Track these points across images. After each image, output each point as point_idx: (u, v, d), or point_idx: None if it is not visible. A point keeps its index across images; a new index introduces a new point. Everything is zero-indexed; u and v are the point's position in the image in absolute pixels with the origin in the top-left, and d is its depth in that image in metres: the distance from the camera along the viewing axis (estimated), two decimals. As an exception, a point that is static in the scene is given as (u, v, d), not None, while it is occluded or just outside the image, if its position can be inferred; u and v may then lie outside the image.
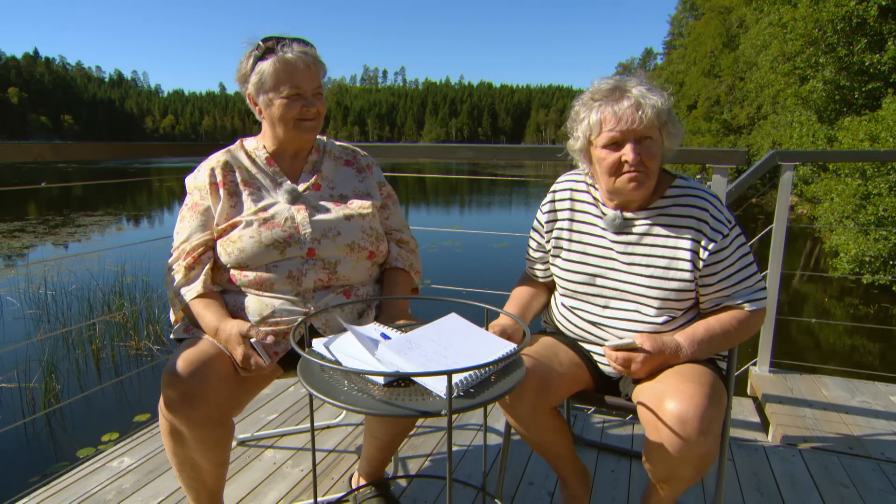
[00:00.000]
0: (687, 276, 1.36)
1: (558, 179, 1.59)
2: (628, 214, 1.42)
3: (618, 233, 1.43)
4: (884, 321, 7.30)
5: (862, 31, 11.07)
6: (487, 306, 1.28)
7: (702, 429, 1.17)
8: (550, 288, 1.66)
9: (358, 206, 1.56)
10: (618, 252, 1.43)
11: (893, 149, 8.07)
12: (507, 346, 1.13)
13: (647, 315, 1.41)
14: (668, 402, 1.20)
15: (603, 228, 1.45)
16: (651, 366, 1.30)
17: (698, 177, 1.54)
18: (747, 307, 1.37)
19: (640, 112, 1.28)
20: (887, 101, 9.70)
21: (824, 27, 11.40)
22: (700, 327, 1.36)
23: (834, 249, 8.92)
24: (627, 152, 1.30)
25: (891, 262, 7.93)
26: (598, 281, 1.45)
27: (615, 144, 1.32)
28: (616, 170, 1.34)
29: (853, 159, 8.06)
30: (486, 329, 1.27)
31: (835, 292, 8.69)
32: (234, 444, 2.06)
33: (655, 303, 1.39)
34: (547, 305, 1.66)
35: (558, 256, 1.53)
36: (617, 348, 1.32)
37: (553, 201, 1.56)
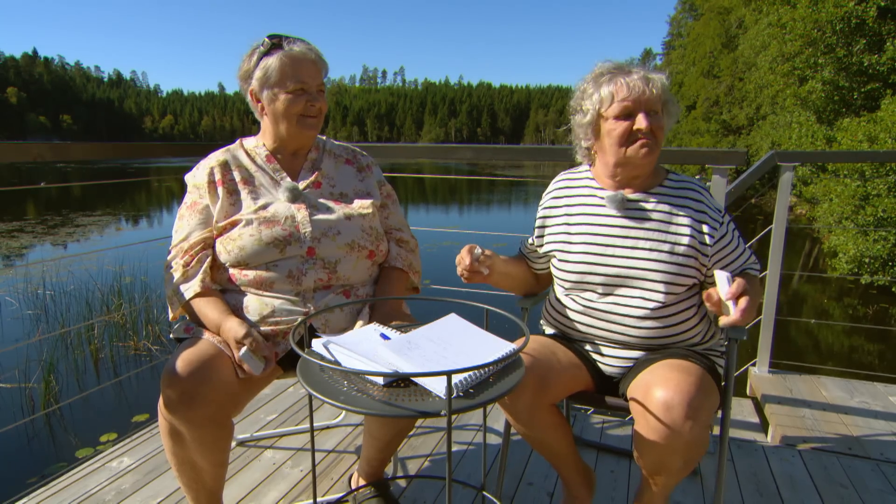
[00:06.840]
0: (690, 255, 1.40)
1: (554, 178, 1.64)
2: (630, 196, 1.46)
3: (621, 213, 1.46)
4: (883, 321, 7.31)
5: (861, 31, 11.10)
6: (487, 306, 1.28)
7: (688, 414, 1.18)
8: (536, 274, 1.69)
9: (358, 205, 1.56)
10: (619, 236, 1.45)
11: (892, 149, 8.08)
12: (507, 347, 1.12)
13: (648, 296, 1.41)
14: (655, 391, 1.23)
15: (603, 216, 1.48)
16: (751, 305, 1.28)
17: (697, 177, 1.56)
18: (752, 273, 1.49)
19: (650, 84, 1.38)
20: (886, 102, 9.72)
21: (823, 28, 11.42)
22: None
23: (833, 250, 8.92)
24: (640, 120, 1.38)
25: (889, 263, 7.93)
26: (599, 269, 1.45)
27: (627, 115, 1.39)
28: (626, 139, 1.40)
29: (852, 160, 8.07)
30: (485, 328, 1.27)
31: (834, 293, 8.69)
32: (233, 444, 2.06)
33: (660, 286, 1.40)
34: (543, 301, 1.68)
35: (557, 249, 1.54)
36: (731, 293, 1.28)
37: (550, 199, 1.61)
